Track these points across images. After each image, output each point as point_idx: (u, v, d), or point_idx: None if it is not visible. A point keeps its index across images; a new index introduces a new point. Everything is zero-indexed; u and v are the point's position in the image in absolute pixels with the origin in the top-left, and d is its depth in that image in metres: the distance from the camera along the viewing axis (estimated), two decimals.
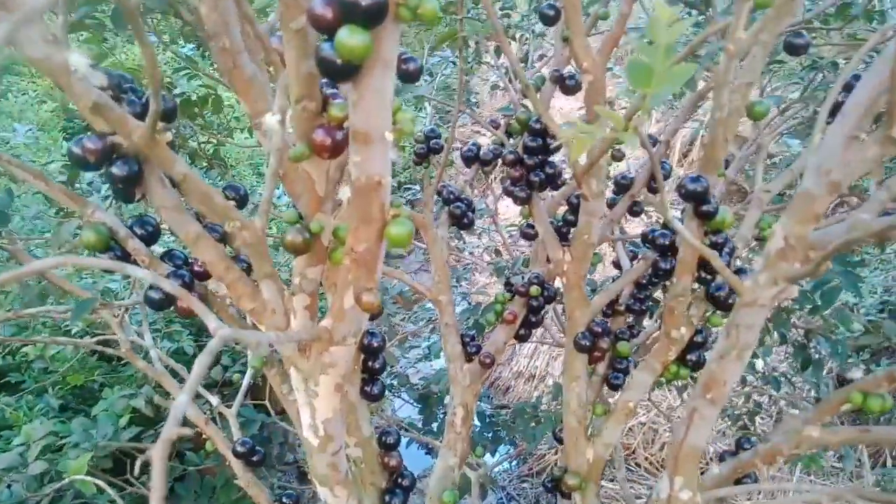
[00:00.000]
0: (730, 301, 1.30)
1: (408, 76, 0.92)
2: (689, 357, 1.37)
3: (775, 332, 2.17)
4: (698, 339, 1.36)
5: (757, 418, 2.60)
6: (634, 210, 1.83)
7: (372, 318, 1.31)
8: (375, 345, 1.19)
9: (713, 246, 1.18)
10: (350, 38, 0.63)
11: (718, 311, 1.36)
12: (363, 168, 0.73)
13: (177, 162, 0.70)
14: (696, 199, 1.11)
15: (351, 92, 0.70)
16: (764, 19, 1.04)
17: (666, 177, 1.78)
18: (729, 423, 2.71)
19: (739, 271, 1.30)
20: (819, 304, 1.70)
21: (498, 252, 2.73)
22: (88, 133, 0.85)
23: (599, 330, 1.45)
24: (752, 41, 1.04)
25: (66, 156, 0.89)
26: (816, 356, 2.09)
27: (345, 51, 0.63)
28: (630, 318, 1.81)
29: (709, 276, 1.23)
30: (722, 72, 1.01)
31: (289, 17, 0.70)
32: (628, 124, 0.70)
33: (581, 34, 1.28)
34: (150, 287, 1.02)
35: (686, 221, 1.16)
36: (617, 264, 1.89)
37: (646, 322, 2.34)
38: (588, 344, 1.43)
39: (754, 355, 2.28)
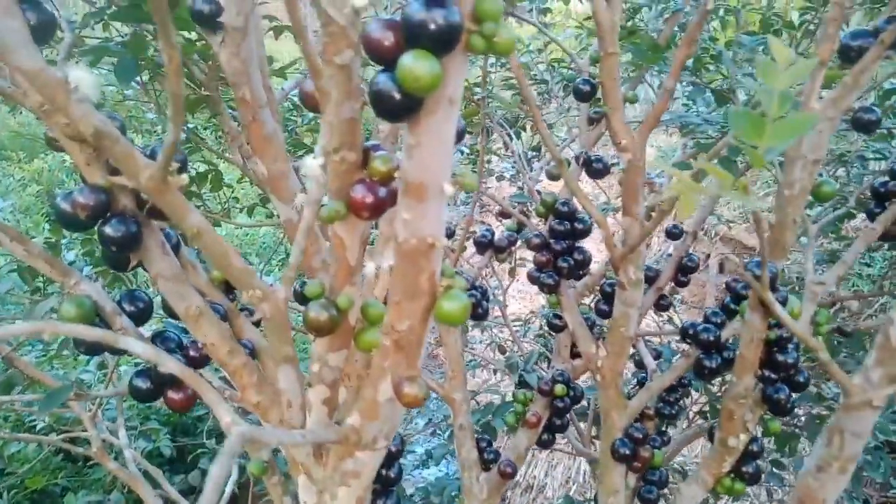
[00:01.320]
0: (790, 405, 1.15)
1: None
2: (744, 469, 1.20)
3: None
4: (754, 447, 1.20)
5: None
6: (661, 304, 1.71)
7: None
8: (392, 448, 1.02)
9: (778, 341, 1.05)
10: (416, 64, 0.52)
11: (776, 417, 1.21)
12: (414, 228, 0.61)
13: (190, 212, 0.57)
14: None
15: (407, 135, 0.58)
16: (833, 94, 0.96)
17: (694, 269, 1.67)
18: None
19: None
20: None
21: (502, 349, 2.58)
22: (80, 186, 0.72)
23: (640, 436, 1.29)
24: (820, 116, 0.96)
25: (52, 214, 0.76)
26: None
27: (409, 80, 0.52)
28: (658, 423, 1.65)
29: (772, 376, 1.09)
30: (796, 143, 0.91)
31: (333, 50, 0.59)
32: (740, 182, 0.58)
33: (620, 109, 1.20)
34: (137, 374, 0.87)
35: (749, 311, 1.03)
36: (640, 363, 1.75)
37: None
38: (628, 453, 1.27)
39: (781, 466, 2.10)
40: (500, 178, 2.61)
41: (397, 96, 0.55)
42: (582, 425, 2.09)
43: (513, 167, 2.45)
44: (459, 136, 0.77)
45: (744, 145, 0.59)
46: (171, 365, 0.47)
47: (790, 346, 1.07)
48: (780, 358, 1.06)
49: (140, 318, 0.88)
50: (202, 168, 1.65)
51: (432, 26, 0.51)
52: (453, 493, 2.09)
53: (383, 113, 0.57)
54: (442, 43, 0.52)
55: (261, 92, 0.86)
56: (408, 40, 0.53)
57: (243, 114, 0.86)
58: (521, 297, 4.74)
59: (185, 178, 0.54)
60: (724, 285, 1.47)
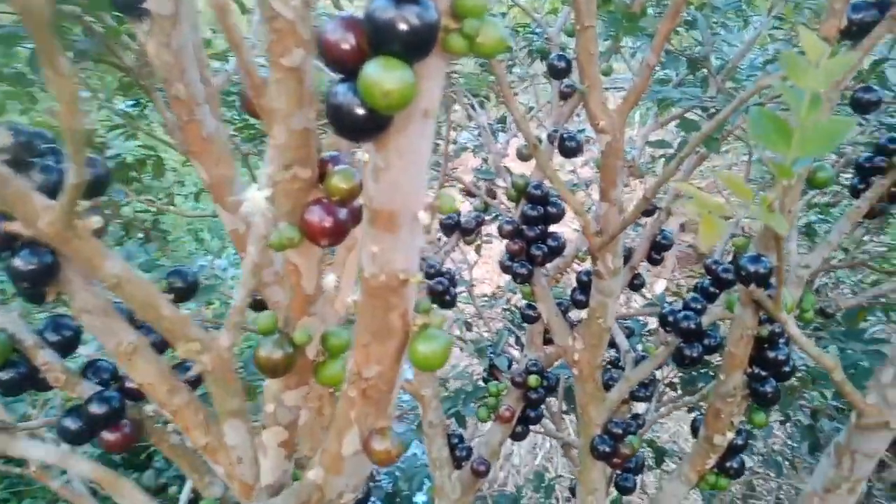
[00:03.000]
0: (776, 396, 1.10)
1: None
2: (728, 464, 1.16)
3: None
4: (738, 441, 1.16)
5: (751, 502, 2.40)
6: (635, 284, 1.65)
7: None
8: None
9: (770, 336, 0.99)
10: (385, 76, 0.41)
11: (761, 409, 1.17)
12: (383, 262, 0.51)
13: (108, 259, 0.46)
14: (757, 283, 0.91)
15: (373, 155, 0.48)
16: None
17: (668, 247, 1.61)
18: None
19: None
20: None
21: (468, 325, 2.51)
22: None
23: (620, 431, 1.23)
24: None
25: None
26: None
27: (376, 95, 0.42)
28: (631, 406, 1.61)
29: (761, 372, 1.03)
30: None
31: (280, 50, 0.48)
32: (768, 201, 0.50)
33: (597, 88, 1.10)
34: (67, 414, 0.76)
35: (740, 307, 0.96)
36: (612, 343, 1.69)
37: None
38: (608, 450, 1.21)
39: (752, 435, 2.09)
40: (464, 149, 2.50)
41: (361, 112, 0.44)
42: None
43: (476, 138, 2.35)
44: None
45: (767, 155, 0.51)
46: (83, 466, 0.37)
47: (781, 341, 1.01)
48: (772, 355, 1.00)
49: (67, 347, 0.77)
50: (141, 154, 1.51)
51: (403, 27, 0.41)
52: (424, 480, 2.03)
53: (344, 131, 0.47)
54: (415, 47, 0.42)
55: (197, 87, 0.74)
56: (373, 44, 0.43)
57: (178, 113, 0.74)
58: (485, 264, 4.65)
59: (95, 221, 0.43)
60: (696, 255, 1.41)
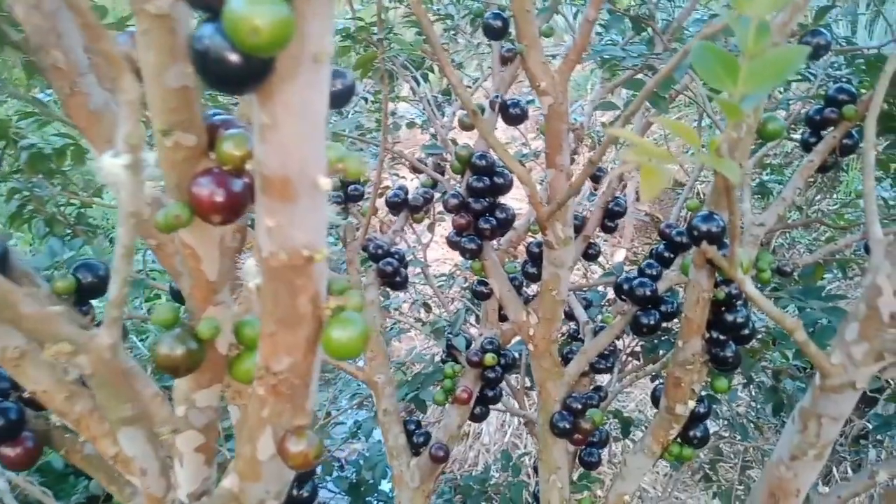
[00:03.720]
0: (737, 361, 1.07)
1: (334, 97, 0.64)
2: (692, 434, 1.12)
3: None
4: (700, 409, 1.12)
5: (719, 467, 2.40)
6: (590, 253, 1.60)
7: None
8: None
9: (728, 299, 0.95)
10: (252, 8, 0.34)
11: (722, 374, 1.13)
12: (282, 237, 0.44)
13: None
14: (710, 242, 0.86)
15: (257, 111, 0.41)
16: (779, 19, 0.83)
17: (622, 214, 1.56)
18: (689, 473, 2.50)
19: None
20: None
21: (427, 307, 2.45)
22: None
23: (579, 406, 1.18)
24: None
25: None
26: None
27: (244, 32, 0.34)
28: (593, 378, 1.57)
29: (720, 337, 0.99)
30: None
31: None
32: (711, 144, 0.44)
33: (536, 47, 1.04)
34: None
35: (694, 270, 0.92)
36: (569, 315, 1.65)
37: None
38: (568, 427, 1.16)
39: (714, 400, 2.07)
40: (411, 124, 2.42)
41: (232, 58, 0.37)
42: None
43: (423, 112, 2.27)
44: (343, 98, 0.60)
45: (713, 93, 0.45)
46: None
47: (739, 303, 0.97)
48: (730, 318, 0.96)
49: None
50: (59, 143, 1.40)
51: None
52: (387, 468, 1.97)
53: (215, 83, 0.40)
54: None
55: (78, 54, 0.65)
56: None
57: (59, 85, 0.66)
58: (442, 246, 4.58)
59: None
60: (651, 220, 1.36)
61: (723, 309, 0.97)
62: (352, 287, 0.49)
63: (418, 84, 1.96)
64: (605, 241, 5.50)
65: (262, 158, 0.42)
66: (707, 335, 0.98)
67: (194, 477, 0.63)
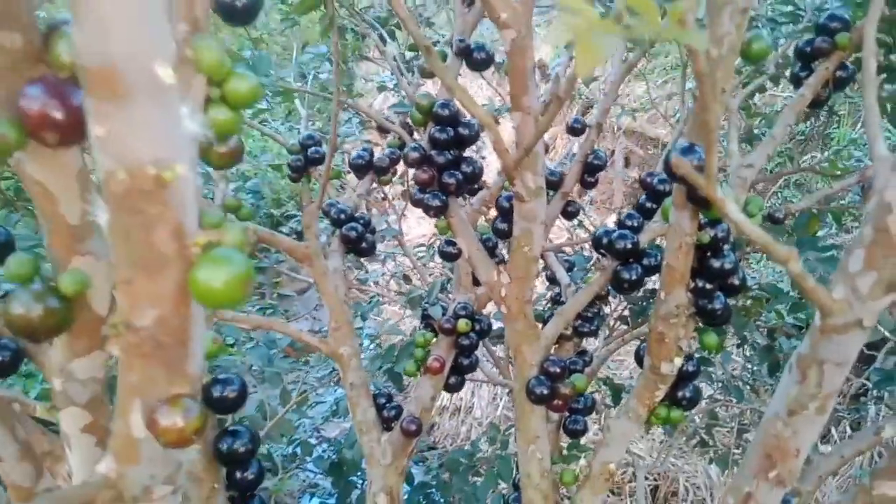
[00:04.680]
0: (726, 314, 0.97)
1: (234, 11, 0.54)
2: (680, 394, 1.03)
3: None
4: (688, 367, 1.03)
5: (716, 432, 2.33)
6: (569, 211, 1.50)
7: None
8: (241, 449, 0.78)
9: (713, 242, 0.85)
10: None
11: (711, 329, 1.04)
12: (117, 150, 0.34)
13: None
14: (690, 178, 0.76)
15: None
16: None
17: (601, 167, 1.46)
18: (684, 439, 2.43)
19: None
20: (800, 297, 1.41)
21: (408, 278, 2.35)
22: None
23: (558, 370, 1.09)
24: None
25: None
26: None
27: None
28: (577, 343, 1.48)
29: (707, 286, 0.90)
30: None
31: None
32: (673, 11, 0.34)
33: None
34: None
35: (675, 211, 0.82)
36: (552, 279, 1.55)
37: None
38: (546, 392, 1.07)
39: (708, 362, 1.99)
40: (382, 88, 2.30)
41: None
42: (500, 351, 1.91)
43: (393, 75, 2.16)
44: (245, 13, 0.50)
45: None
46: None
47: (726, 247, 0.87)
48: (716, 264, 0.87)
49: None
50: None
51: None
52: None
53: None
54: None
55: None
56: None
57: None
58: (423, 219, 4.46)
59: None
60: (636, 180, 1.26)
61: (708, 254, 0.87)
62: (230, 221, 0.39)
63: (384, 42, 1.85)
64: (596, 208, 5.41)
65: (79, 44, 0.32)
66: (692, 285, 0.89)
67: (86, 462, 0.54)
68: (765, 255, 2.35)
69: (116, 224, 0.37)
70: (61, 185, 0.44)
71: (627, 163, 5.67)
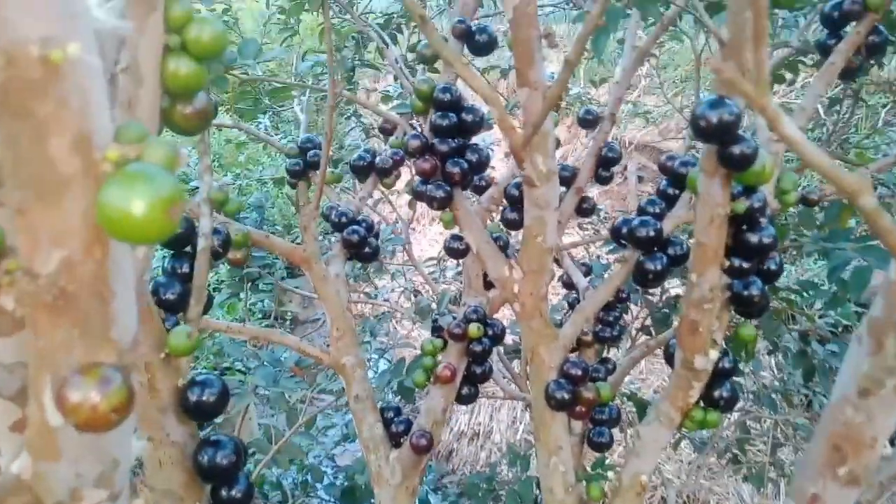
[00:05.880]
0: (764, 301, 0.87)
1: None
2: (717, 394, 0.93)
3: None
4: (724, 364, 0.93)
5: (747, 448, 2.20)
6: (584, 208, 1.41)
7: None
8: (224, 462, 0.68)
9: (749, 213, 0.75)
10: None
11: (749, 320, 0.94)
12: None
13: None
14: (721, 137, 0.67)
15: None
16: None
17: (616, 160, 1.38)
18: (715, 457, 2.29)
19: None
20: (836, 291, 1.30)
21: (418, 293, 2.26)
22: None
23: (579, 372, 0.99)
24: None
25: None
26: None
27: None
28: (599, 350, 1.38)
29: (743, 265, 0.80)
30: None
31: None
32: None
33: None
34: None
35: (704, 179, 0.72)
36: (568, 283, 1.46)
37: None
38: (567, 397, 0.97)
39: (739, 372, 1.87)
40: (387, 98, 2.24)
41: None
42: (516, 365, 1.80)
43: (397, 81, 2.09)
44: None
45: None
46: None
47: (763, 220, 0.78)
48: (754, 238, 0.77)
49: None
50: None
51: None
52: None
53: None
54: None
55: None
56: None
57: None
58: (435, 241, 4.35)
59: None
60: (658, 166, 1.17)
61: (743, 227, 0.78)
62: (155, 135, 0.31)
63: (386, 45, 1.78)
64: (611, 206, 5.31)
65: None
66: (726, 264, 0.79)
67: (22, 465, 0.45)
68: (792, 257, 2.23)
69: (2, 132, 0.28)
70: None
71: (641, 179, 5.59)
